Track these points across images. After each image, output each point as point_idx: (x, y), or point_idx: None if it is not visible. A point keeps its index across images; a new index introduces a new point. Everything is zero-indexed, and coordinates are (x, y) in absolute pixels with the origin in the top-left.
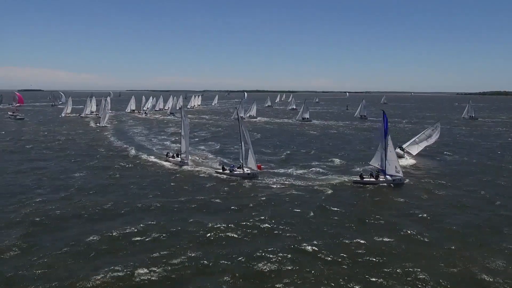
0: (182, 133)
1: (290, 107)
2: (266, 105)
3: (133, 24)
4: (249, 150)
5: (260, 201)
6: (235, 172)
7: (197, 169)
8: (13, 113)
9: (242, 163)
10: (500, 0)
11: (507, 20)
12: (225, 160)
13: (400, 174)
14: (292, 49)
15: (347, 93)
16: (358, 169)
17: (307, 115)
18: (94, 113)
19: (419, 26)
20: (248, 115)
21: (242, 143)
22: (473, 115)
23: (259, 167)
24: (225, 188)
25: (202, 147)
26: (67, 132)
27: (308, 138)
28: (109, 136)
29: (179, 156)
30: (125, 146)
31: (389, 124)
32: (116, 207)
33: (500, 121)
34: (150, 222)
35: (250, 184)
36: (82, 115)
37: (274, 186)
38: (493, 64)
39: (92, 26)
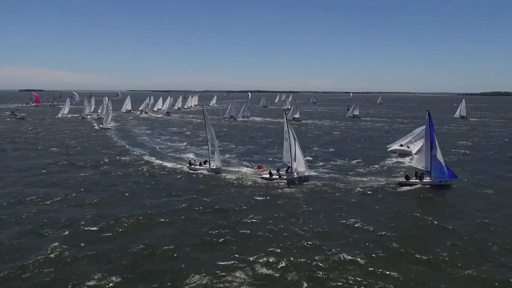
0: (208, 137)
1: (285, 107)
2: (262, 105)
3: (133, 24)
4: (299, 152)
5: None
6: (283, 176)
7: (234, 176)
8: (12, 112)
9: (291, 167)
10: (503, 0)
11: (508, 21)
12: (247, 163)
13: (446, 175)
14: (292, 49)
15: (351, 93)
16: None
17: (297, 115)
18: (97, 113)
19: (421, 26)
20: (242, 115)
21: (294, 144)
22: (465, 115)
23: (259, 167)
24: (297, 198)
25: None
26: (72, 135)
27: (313, 137)
28: (117, 139)
29: (207, 163)
30: (140, 151)
31: (382, 124)
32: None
33: (489, 121)
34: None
35: (303, 189)
36: (83, 115)
37: (332, 190)
38: (496, 65)
39: (92, 26)
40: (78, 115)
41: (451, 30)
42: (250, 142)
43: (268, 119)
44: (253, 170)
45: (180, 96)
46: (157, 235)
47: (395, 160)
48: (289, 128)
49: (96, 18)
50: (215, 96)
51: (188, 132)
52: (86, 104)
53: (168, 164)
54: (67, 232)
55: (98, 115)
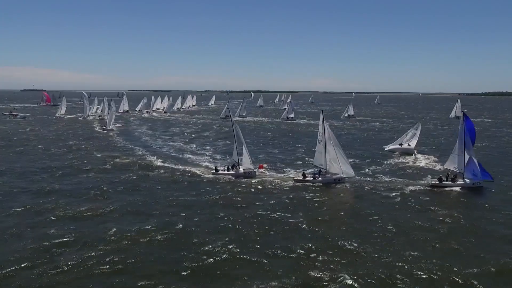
0: (237, 140)
1: (282, 107)
2: (258, 105)
3: (134, 24)
4: (339, 153)
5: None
6: (319, 179)
7: (266, 179)
8: (10, 112)
9: (326, 168)
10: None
11: (508, 21)
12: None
13: (479, 177)
14: (293, 49)
15: (353, 93)
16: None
17: (291, 115)
18: (98, 114)
19: (423, 26)
20: (238, 114)
21: (331, 146)
22: (461, 115)
23: (260, 167)
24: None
25: (208, 147)
26: (78, 137)
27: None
28: (126, 143)
29: (235, 167)
30: (154, 157)
31: (378, 124)
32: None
33: (481, 121)
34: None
35: (343, 190)
36: (84, 116)
37: (373, 192)
38: (496, 65)
39: (93, 26)
40: (80, 115)
41: (453, 31)
42: (251, 142)
43: (264, 119)
44: (282, 174)
45: (180, 97)
46: (214, 247)
47: (404, 160)
48: (325, 130)
49: (97, 18)
50: (214, 96)
51: (194, 135)
52: (87, 104)
53: (192, 169)
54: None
55: (100, 116)
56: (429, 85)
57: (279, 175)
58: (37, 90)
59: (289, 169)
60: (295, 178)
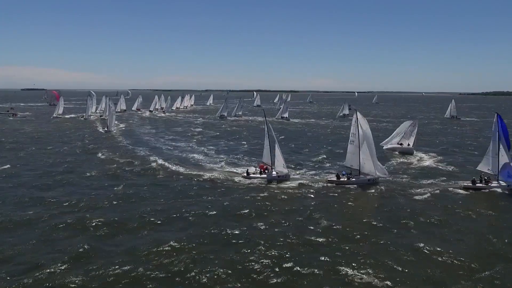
0: (266, 143)
1: (278, 107)
2: (255, 104)
3: (135, 23)
4: (373, 153)
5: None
6: (353, 179)
7: (300, 181)
8: (7, 111)
9: (359, 169)
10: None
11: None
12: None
13: None
14: (294, 49)
15: (356, 93)
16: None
17: (286, 114)
18: (99, 114)
19: (425, 25)
20: (234, 113)
21: (365, 145)
22: (456, 115)
23: (261, 167)
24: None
25: (212, 147)
26: (80, 138)
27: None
28: (141, 149)
29: (268, 170)
30: (168, 162)
31: (388, 124)
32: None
33: (476, 121)
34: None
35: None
36: (86, 116)
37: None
38: (499, 65)
39: (94, 25)
40: (81, 115)
41: (453, 31)
42: (248, 141)
43: (259, 118)
44: (312, 175)
45: (180, 96)
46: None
47: (409, 160)
48: (358, 130)
49: (97, 18)
50: (211, 96)
51: (200, 136)
52: (90, 104)
53: (219, 176)
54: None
55: (101, 115)
56: (431, 85)
57: (308, 176)
58: (38, 90)
59: (305, 169)
60: (329, 179)
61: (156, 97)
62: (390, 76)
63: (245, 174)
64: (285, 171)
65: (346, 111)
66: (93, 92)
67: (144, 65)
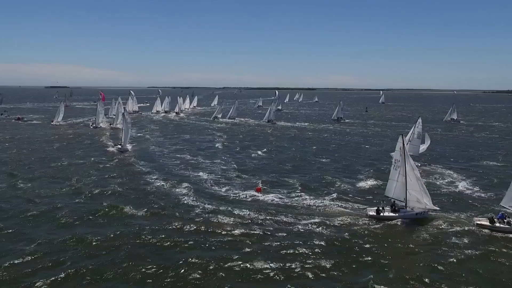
0: (402, 172)
1: (277, 107)
2: (257, 105)
3: (156, 21)
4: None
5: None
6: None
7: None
8: (1, 114)
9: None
10: None
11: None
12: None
13: None
14: (311, 46)
15: (381, 92)
16: None
17: (273, 117)
18: (109, 122)
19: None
20: (228, 116)
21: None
22: (455, 118)
23: (258, 190)
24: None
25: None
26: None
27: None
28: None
29: (398, 207)
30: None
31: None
32: None
33: (479, 125)
34: None
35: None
36: (95, 124)
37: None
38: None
39: (117, 23)
40: (91, 122)
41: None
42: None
43: (251, 121)
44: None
45: (187, 96)
46: None
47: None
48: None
49: (122, 16)
50: (216, 96)
51: (223, 143)
52: (100, 109)
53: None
54: None
55: (110, 124)
56: (462, 82)
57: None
58: (61, 87)
59: (303, 193)
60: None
61: (181, 98)
62: (419, 74)
63: (374, 213)
64: (428, 206)
65: (341, 115)
66: (132, 92)
67: (165, 63)
